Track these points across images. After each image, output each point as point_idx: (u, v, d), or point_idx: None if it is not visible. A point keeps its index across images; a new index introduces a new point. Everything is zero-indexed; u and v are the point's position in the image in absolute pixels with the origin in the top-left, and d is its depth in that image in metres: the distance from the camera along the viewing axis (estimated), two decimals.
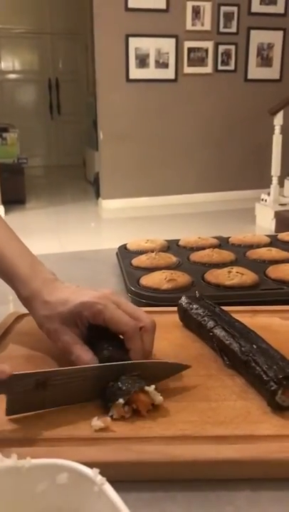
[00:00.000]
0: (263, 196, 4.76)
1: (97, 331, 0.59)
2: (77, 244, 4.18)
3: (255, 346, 0.56)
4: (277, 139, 4.48)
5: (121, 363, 0.53)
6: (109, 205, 5.40)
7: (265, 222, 4.64)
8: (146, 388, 0.50)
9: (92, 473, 0.34)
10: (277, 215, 4.51)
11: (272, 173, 4.57)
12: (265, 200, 4.72)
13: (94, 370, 0.53)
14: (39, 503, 0.35)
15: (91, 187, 6.45)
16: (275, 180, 4.59)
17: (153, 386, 0.50)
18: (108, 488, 0.33)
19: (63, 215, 5.40)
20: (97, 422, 0.48)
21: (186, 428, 0.48)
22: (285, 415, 0.50)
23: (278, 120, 4.42)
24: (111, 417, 0.49)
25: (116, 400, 0.49)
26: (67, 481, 0.34)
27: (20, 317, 0.73)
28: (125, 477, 0.44)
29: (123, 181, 5.39)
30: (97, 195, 5.72)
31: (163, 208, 5.34)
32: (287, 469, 0.44)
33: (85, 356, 0.57)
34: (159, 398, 0.50)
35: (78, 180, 7.28)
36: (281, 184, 4.70)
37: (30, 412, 0.50)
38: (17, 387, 0.49)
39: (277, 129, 4.45)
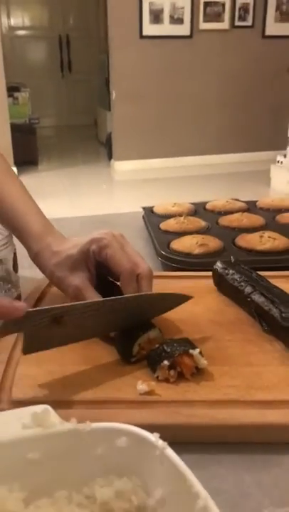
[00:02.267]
0: (279, 158, 4.67)
1: (104, 289, 0.60)
2: (90, 207, 4.16)
3: None
4: None
5: (129, 295, 0.56)
6: (122, 166, 5.34)
7: (280, 185, 4.57)
8: (191, 351, 0.50)
9: (154, 437, 0.35)
10: None
11: None
12: (281, 162, 4.64)
13: (106, 304, 0.54)
14: (100, 464, 0.35)
15: (103, 148, 6.36)
16: None
17: (198, 349, 0.51)
18: (171, 453, 0.33)
19: (75, 177, 5.35)
20: (142, 386, 0.49)
21: (231, 392, 0.49)
22: None
23: None
24: (156, 378, 0.50)
25: (161, 362, 0.50)
26: (127, 444, 0.35)
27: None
28: (171, 439, 0.44)
29: (136, 142, 5.31)
30: (110, 156, 5.65)
31: (176, 170, 5.27)
32: None
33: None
34: (203, 362, 0.51)
35: (90, 140, 7.18)
36: None
37: (47, 349, 0.51)
38: (34, 323, 0.49)
39: None
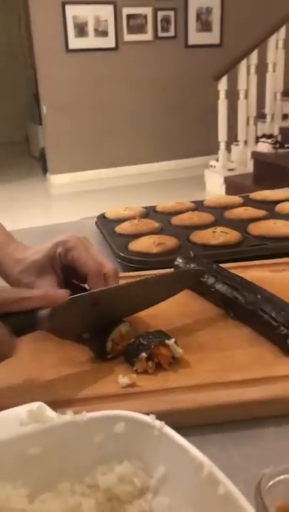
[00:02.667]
0: (212, 162, 4.82)
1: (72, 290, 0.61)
2: (29, 222, 4.10)
3: (259, 296, 0.59)
4: (222, 105, 4.51)
5: (149, 277, 0.62)
6: (57, 180, 5.31)
7: (215, 188, 4.72)
8: (167, 341, 0.52)
9: (150, 419, 0.36)
10: (227, 180, 4.59)
11: (220, 138, 4.63)
12: (214, 166, 4.79)
13: (136, 284, 0.58)
14: (99, 452, 0.36)
15: (37, 162, 6.30)
16: (222, 146, 4.65)
17: (173, 339, 0.52)
18: (169, 430, 0.35)
19: (11, 193, 5.25)
20: (123, 379, 0.50)
21: (208, 376, 0.51)
22: None
23: (222, 85, 4.45)
24: (135, 371, 0.51)
25: (139, 355, 0.51)
26: (125, 429, 0.36)
27: None
28: None
29: (70, 155, 5.30)
30: (45, 170, 5.61)
31: (113, 180, 5.31)
32: None
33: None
34: (178, 351, 0.52)
35: (23, 156, 7.08)
36: (228, 149, 4.77)
37: (87, 331, 0.55)
38: (78, 308, 0.52)
39: (221, 95, 4.48)
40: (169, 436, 0.34)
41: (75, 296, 0.52)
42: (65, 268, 0.62)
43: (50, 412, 0.37)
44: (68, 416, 0.36)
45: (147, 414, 0.46)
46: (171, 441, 0.34)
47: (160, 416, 0.46)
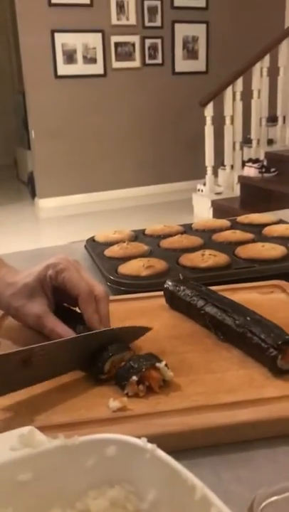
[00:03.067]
0: (199, 186, 4.88)
1: (61, 315, 0.61)
2: (17, 246, 4.09)
3: (248, 318, 0.59)
4: (209, 130, 4.59)
5: (93, 332, 0.57)
6: (46, 204, 5.33)
7: (202, 212, 4.76)
8: (158, 365, 0.52)
9: (142, 442, 0.36)
10: (214, 204, 4.64)
11: (207, 163, 4.69)
12: (201, 191, 4.84)
13: (73, 341, 0.55)
14: (91, 476, 0.36)
15: (25, 187, 6.32)
16: (209, 171, 4.71)
17: (164, 362, 0.52)
18: (161, 453, 0.35)
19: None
20: (114, 403, 0.49)
21: (199, 399, 0.51)
22: (286, 378, 0.54)
23: (209, 111, 4.53)
24: (126, 394, 0.51)
25: (130, 378, 0.51)
26: (116, 453, 0.36)
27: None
28: None
29: (59, 179, 5.33)
30: (33, 194, 5.62)
31: (102, 204, 5.33)
32: None
33: (59, 329, 0.58)
34: (169, 374, 0.53)
35: (11, 180, 7.10)
36: (215, 174, 4.83)
37: (16, 391, 0.51)
38: (4, 367, 0.49)
39: (208, 120, 4.56)
40: (161, 458, 0.34)
41: (4, 353, 0.50)
42: (55, 290, 0.62)
43: (40, 437, 0.37)
44: (59, 440, 0.36)
45: (139, 437, 0.46)
46: (163, 463, 0.34)
47: (151, 439, 0.46)
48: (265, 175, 4.55)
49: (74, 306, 0.64)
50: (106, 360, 0.53)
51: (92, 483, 0.36)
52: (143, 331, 0.61)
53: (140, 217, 4.86)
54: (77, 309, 0.64)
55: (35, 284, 0.60)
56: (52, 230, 4.82)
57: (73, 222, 4.88)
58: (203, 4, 5.45)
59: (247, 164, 4.66)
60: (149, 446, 0.35)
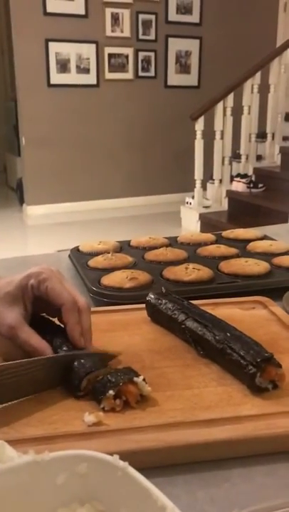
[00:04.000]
0: (188, 199, 4.90)
1: (38, 325, 0.60)
2: (5, 253, 4.06)
3: (228, 334, 0.59)
4: (198, 144, 4.63)
5: (62, 354, 0.56)
6: (34, 211, 5.30)
7: (190, 225, 4.78)
8: (135, 379, 0.51)
9: (113, 459, 0.35)
10: (202, 217, 4.66)
11: (196, 176, 4.72)
12: (190, 203, 4.86)
13: (41, 363, 0.54)
14: (61, 493, 0.35)
15: (13, 193, 6.29)
16: (198, 184, 4.74)
17: (141, 377, 0.52)
18: (132, 471, 0.34)
19: None
20: (89, 417, 0.49)
21: (176, 415, 0.50)
22: (264, 396, 0.53)
23: (199, 125, 4.57)
24: (102, 409, 0.50)
25: (106, 392, 0.50)
26: (88, 470, 0.35)
27: None
28: None
29: (48, 187, 5.32)
30: (21, 201, 5.60)
31: (90, 213, 5.33)
32: (275, 445, 0.48)
33: (33, 341, 0.57)
34: (147, 389, 0.52)
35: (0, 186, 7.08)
36: (204, 187, 4.86)
37: None
38: None
39: (198, 134, 4.60)
40: (132, 477, 0.34)
41: None
42: (35, 300, 0.61)
43: (10, 452, 0.36)
44: (30, 456, 0.35)
45: (113, 453, 0.45)
46: (134, 482, 0.33)
47: (126, 455, 0.45)
48: (253, 190, 4.58)
49: (53, 316, 0.63)
50: (82, 378, 0.52)
51: (62, 501, 0.35)
52: (108, 357, 0.59)
53: (128, 227, 4.86)
54: (55, 320, 0.63)
55: (16, 292, 0.59)
56: (39, 237, 4.80)
57: (61, 230, 4.86)
58: (196, 20, 5.51)
59: (235, 179, 4.70)
60: (121, 463, 0.35)
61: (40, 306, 0.61)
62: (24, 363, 0.53)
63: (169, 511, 0.31)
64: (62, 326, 0.61)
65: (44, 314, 0.64)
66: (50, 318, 0.64)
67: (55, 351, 0.57)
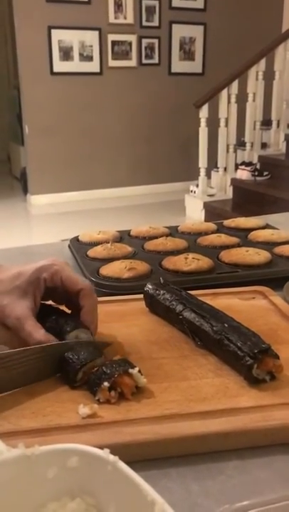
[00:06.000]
0: (192, 188, 4.87)
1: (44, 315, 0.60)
2: (8, 241, 4.07)
3: (226, 325, 0.58)
4: (203, 132, 4.59)
5: (56, 343, 0.56)
6: (38, 200, 5.30)
7: (194, 213, 4.76)
8: (130, 371, 0.51)
9: (104, 453, 0.35)
10: (206, 206, 4.64)
11: (200, 165, 4.69)
12: (194, 192, 4.84)
13: (38, 351, 0.54)
14: (51, 487, 0.35)
15: (18, 182, 6.28)
16: (202, 172, 4.71)
17: (137, 368, 0.51)
18: (123, 465, 0.34)
19: None
20: (84, 409, 0.48)
21: (172, 407, 0.50)
22: (261, 387, 0.53)
23: (203, 113, 4.53)
24: (97, 401, 0.50)
25: (101, 384, 0.50)
26: (78, 464, 0.35)
27: None
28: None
29: (52, 176, 5.31)
30: (25, 190, 5.59)
31: (94, 202, 5.32)
32: (271, 437, 0.47)
33: (36, 334, 0.57)
34: (142, 380, 0.51)
35: (3, 175, 7.06)
36: (208, 176, 4.83)
37: None
38: None
39: (202, 122, 4.56)
40: (122, 471, 0.33)
41: None
42: (45, 292, 0.61)
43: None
44: (19, 449, 0.35)
45: (107, 446, 0.45)
46: (124, 476, 0.33)
47: (120, 448, 0.45)
48: (258, 178, 4.55)
49: (60, 304, 0.64)
50: (77, 370, 0.52)
51: (53, 495, 0.35)
52: (104, 345, 0.59)
53: (132, 216, 4.85)
54: (64, 309, 0.63)
55: (26, 286, 0.59)
56: (43, 226, 4.80)
57: (65, 219, 4.86)
58: (201, 6, 5.45)
59: (240, 167, 4.67)
60: (111, 457, 0.34)
61: (46, 296, 0.62)
62: (17, 352, 0.52)
63: (159, 507, 0.30)
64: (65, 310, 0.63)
65: (50, 302, 0.64)
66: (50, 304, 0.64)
67: (62, 331, 0.58)
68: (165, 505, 0.30)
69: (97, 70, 5.23)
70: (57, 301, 0.64)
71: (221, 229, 1.09)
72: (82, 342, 0.56)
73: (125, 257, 0.89)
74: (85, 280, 0.62)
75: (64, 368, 0.54)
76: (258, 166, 4.68)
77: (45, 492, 0.35)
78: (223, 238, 0.98)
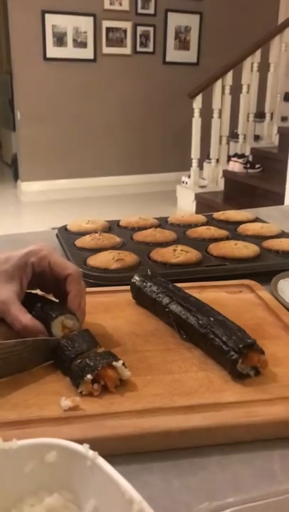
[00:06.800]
0: (184, 179, 4.86)
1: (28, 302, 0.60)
2: None
3: (212, 319, 0.58)
4: (196, 122, 4.57)
5: (46, 338, 0.56)
6: (28, 187, 5.25)
7: (186, 204, 4.75)
8: (114, 363, 0.50)
9: (84, 448, 0.34)
10: (198, 197, 4.63)
11: (192, 156, 4.67)
12: (186, 183, 4.82)
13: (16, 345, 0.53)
14: (29, 482, 0.34)
15: (8, 168, 6.23)
16: (194, 163, 4.69)
17: (121, 361, 0.51)
18: (102, 462, 0.33)
19: None
20: (65, 402, 0.48)
21: (155, 401, 0.49)
22: (246, 382, 0.52)
23: (197, 103, 4.51)
24: (80, 393, 0.49)
25: (84, 377, 0.49)
26: (57, 458, 0.34)
27: None
28: (99, 453, 0.44)
29: (43, 163, 5.26)
30: (16, 177, 5.54)
31: (85, 190, 5.28)
32: (254, 433, 0.47)
33: (23, 317, 0.57)
34: (126, 373, 0.51)
35: None
36: (201, 167, 4.81)
37: None
38: None
39: (196, 112, 4.54)
40: (101, 467, 0.33)
41: None
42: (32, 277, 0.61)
43: None
44: None
45: (88, 439, 0.44)
46: (102, 473, 0.33)
47: (101, 441, 0.45)
48: (250, 171, 4.55)
49: (48, 292, 0.64)
50: (73, 359, 0.52)
51: (30, 489, 0.34)
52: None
53: (123, 206, 4.82)
54: (50, 297, 0.63)
55: (13, 270, 0.59)
56: (33, 214, 4.77)
57: (55, 207, 4.83)
58: None
59: (232, 159, 4.66)
60: (91, 453, 0.34)
61: (33, 283, 0.61)
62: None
63: (137, 504, 0.30)
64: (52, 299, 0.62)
65: (37, 291, 0.64)
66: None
67: (47, 317, 0.57)
68: (143, 503, 0.30)
69: (90, 56, 5.17)
70: (45, 289, 0.64)
71: (210, 221, 1.09)
72: (73, 335, 0.56)
73: (113, 248, 0.88)
74: (73, 265, 0.62)
75: (59, 356, 0.53)
76: (250, 159, 4.67)
77: (22, 486, 0.34)
78: (212, 231, 0.98)
